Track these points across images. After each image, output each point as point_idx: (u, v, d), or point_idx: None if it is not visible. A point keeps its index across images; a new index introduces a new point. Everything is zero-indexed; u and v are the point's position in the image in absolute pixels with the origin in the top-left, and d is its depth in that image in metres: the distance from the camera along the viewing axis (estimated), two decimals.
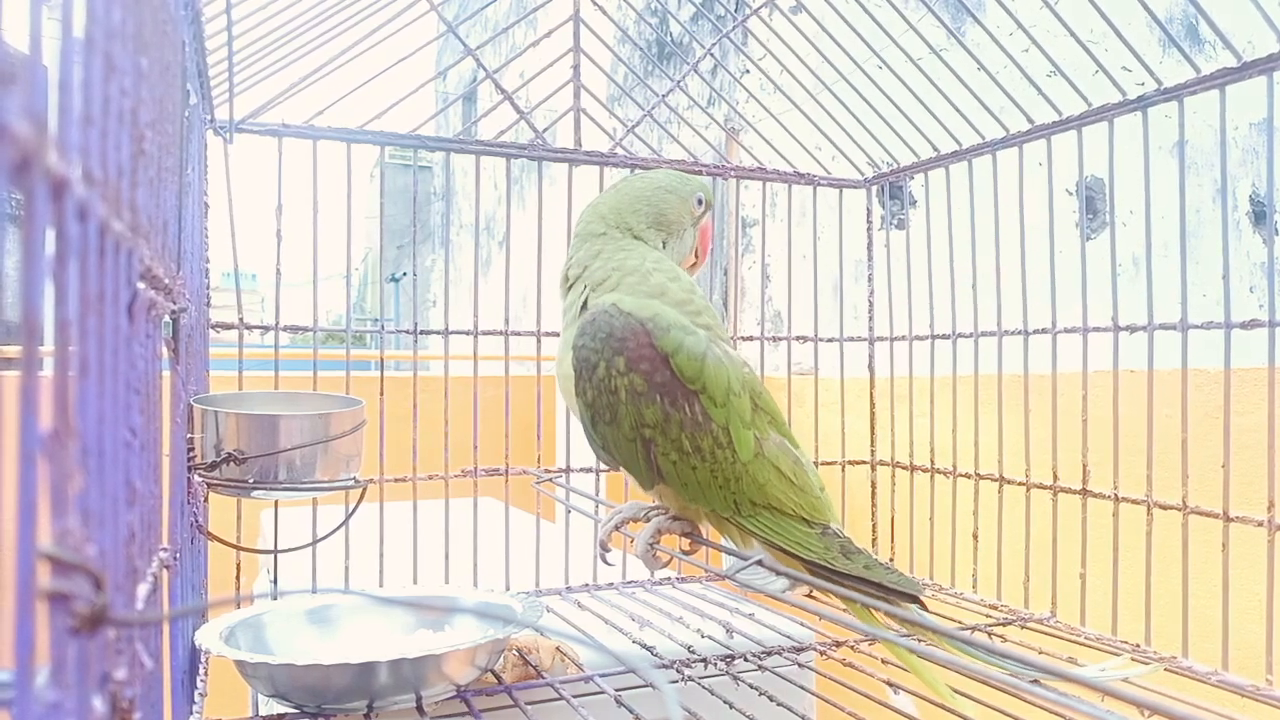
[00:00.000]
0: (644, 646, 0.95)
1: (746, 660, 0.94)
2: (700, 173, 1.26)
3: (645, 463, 0.74)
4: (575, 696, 0.82)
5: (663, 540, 0.80)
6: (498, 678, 0.85)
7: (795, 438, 0.80)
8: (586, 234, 0.83)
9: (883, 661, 0.97)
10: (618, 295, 0.76)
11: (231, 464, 0.87)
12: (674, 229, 0.85)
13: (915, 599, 0.76)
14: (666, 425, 0.71)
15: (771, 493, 0.74)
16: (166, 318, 0.68)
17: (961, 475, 1.18)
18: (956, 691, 0.83)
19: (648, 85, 1.27)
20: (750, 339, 1.35)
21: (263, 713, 0.80)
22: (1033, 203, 1.09)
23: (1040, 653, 0.97)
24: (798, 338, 1.34)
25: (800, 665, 0.96)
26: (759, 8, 1.24)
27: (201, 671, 0.87)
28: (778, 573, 0.73)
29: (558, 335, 1.17)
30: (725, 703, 0.85)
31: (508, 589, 1.12)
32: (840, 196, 1.36)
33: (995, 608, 1.10)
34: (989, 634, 1.03)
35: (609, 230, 0.82)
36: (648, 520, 0.82)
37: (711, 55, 1.25)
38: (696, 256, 0.89)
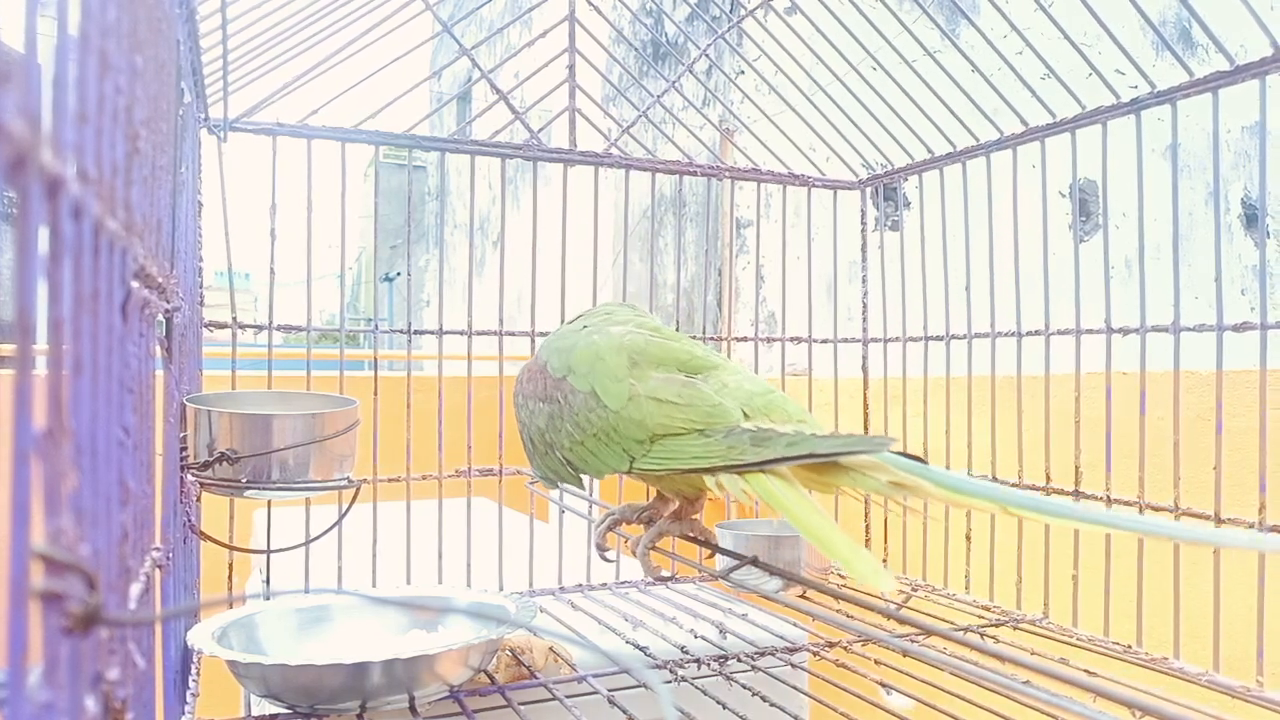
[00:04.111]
0: (637, 647, 0.95)
1: (740, 661, 0.94)
2: (695, 173, 1.26)
3: (562, 464, 0.78)
4: (568, 697, 0.82)
5: (663, 544, 0.80)
6: (491, 678, 0.85)
7: (719, 364, 0.76)
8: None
9: (875, 662, 0.97)
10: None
11: (224, 463, 0.87)
12: None
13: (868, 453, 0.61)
14: (554, 422, 0.77)
15: (653, 422, 0.72)
16: (160, 317, 0.68)
17: None
18: (956, 695, 0.83)
19: (643, 86, 1.27)
20: (744, 340, 1.35)
21: (255, 713, 0.80)
22: (1026, 205, 1.09)
23: (1032, 654, 0.97)
24: (792, 338, 1.35)
25: (793, 666, 0.96)
26: (754, 9, 1.25)
27: (194, 672, 0.87)
28: (772, 572, 0.73)
29: None
30: (718, 703, 0.85)
31: (501, 589, 1.12)
32: (835, 198, 1.36)
33: (988, 609, 1.11)
34: (981, 635, 1.03)
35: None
36: (641, 521, 0.82)
37: (706, 56, 1.26)
38: None
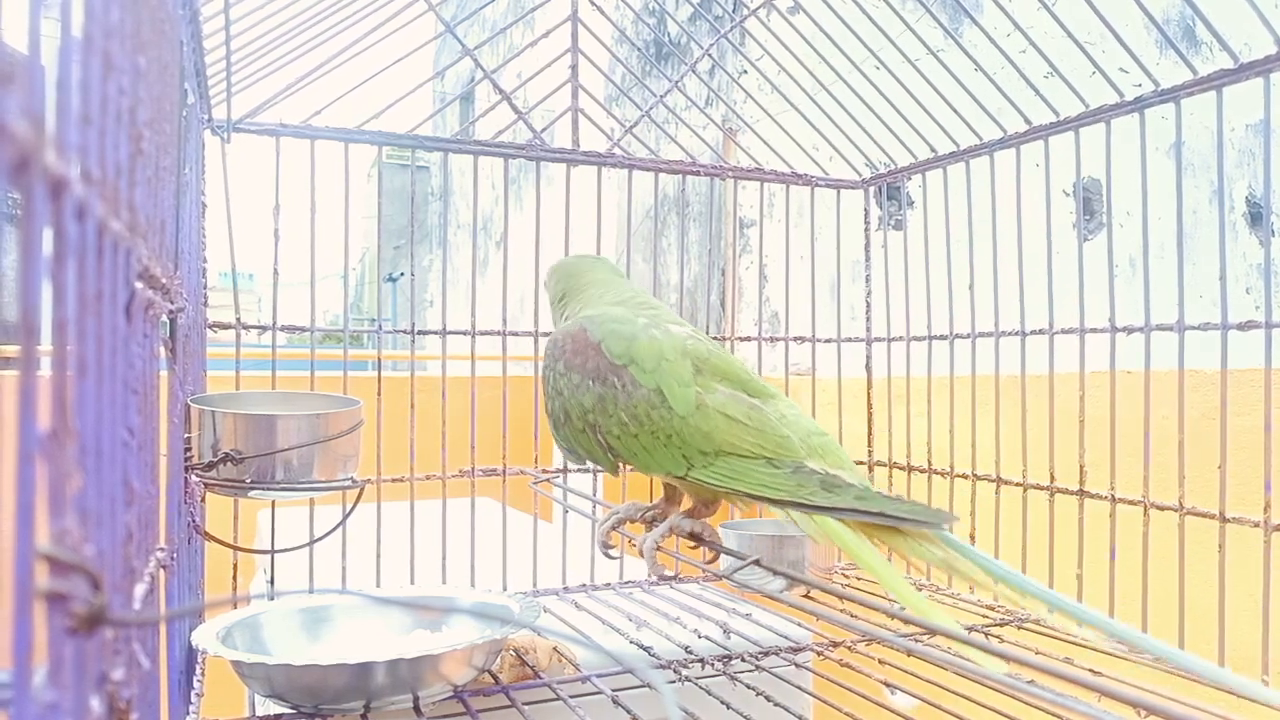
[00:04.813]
0: (641, 647, 0.95)
1: (744, 660, 0.94)
2: (698, 173, 1.26)
3: (599, 448, 0.77)
4: (572, 697, 0.82)
5: (666, 544, 0.80)
6: (495, 678, 0.85)
7: (774, 394, 0.78)
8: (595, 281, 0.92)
9: (880, 662, 0.97)
10: (590, 310, 0.84)
11: (229, 464, 0.87)
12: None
13: (934, 525, 0.64)
14: (604, 405, 0.76)
15: (721, 438, 0.73)
16: (164, 317, 0.68)
17: (959, 476, 1.18)
18: (960, 695, 0.83)
19: (645, 86, 1.27)
20: (748, 339, 1.35)
21: (260, 713, 0.80)
22: (1030, 204, 1.09)
23: (1037, 653, 0.97)
24: (795, 338, 1.34)
25: (797, 665, 0.96)
26: (757, 8, 1.24)
27: (198, 672, 0.87)
28: (775, 572, 0.73)
29: None
30: (722, 703, 0.85)
31: (505, 589, 1.12)
32: (838, 197, 1.36)
33: (992, 608, 1.10)
34: (986, 634, 1.03)
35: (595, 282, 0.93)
36: (645, 520, 0.82)
37: (709, 56, 1.26)
38: None
